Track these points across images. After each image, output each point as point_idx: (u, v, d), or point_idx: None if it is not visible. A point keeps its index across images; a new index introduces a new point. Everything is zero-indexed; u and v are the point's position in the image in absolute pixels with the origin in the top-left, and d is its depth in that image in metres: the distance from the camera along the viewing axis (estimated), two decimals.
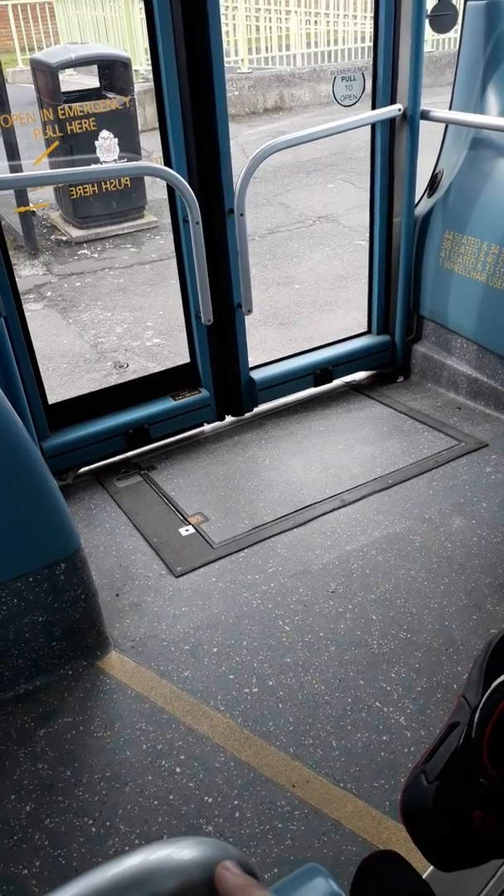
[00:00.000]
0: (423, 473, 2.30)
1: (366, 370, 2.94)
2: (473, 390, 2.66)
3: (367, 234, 2.80)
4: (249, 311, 2.44)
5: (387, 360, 2.93)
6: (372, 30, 2.47)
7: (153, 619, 1.86)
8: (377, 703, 1.58)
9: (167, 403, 2.53)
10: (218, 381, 2.59)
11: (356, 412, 2.72)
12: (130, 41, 7.84)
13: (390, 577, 1.90)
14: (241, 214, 2.25)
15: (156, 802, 1.43)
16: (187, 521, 2.20)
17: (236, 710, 1.60)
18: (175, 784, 1.46)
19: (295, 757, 1.49)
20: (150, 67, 2.12)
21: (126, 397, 2.51)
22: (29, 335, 2.21)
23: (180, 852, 0.41)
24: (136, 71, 6.59)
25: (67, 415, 2.40)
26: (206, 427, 2.67)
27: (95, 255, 4.98)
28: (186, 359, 2.59)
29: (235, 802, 1.42)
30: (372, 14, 2.47)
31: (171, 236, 2.40)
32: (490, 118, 2.41)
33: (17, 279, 2.14)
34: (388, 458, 2.40)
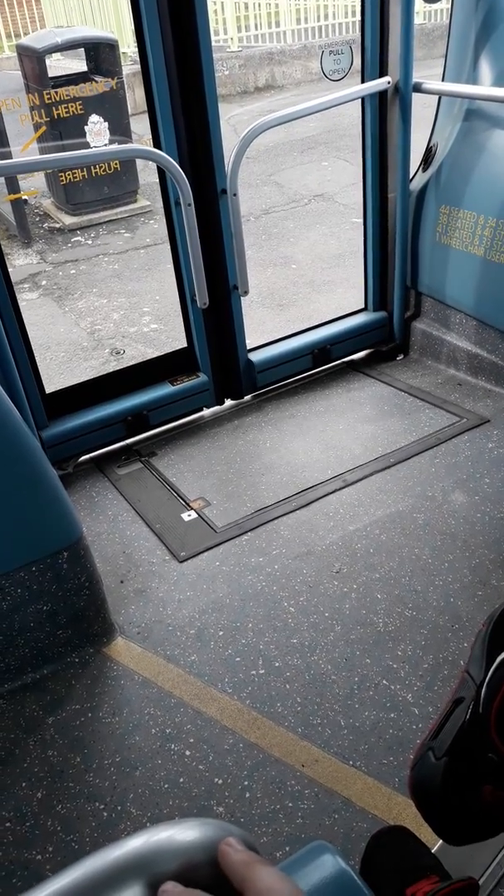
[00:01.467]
0: (424, 451, 2.28)
1: (364, 348, 2.92)
2: (473, 366, 2.64)
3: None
4: (246, 293, 2.42)
5: (385, 337, 2.91)
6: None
7: (158, 604, 1.86)
8: (384, 681, 1.58)
9: (165, 389, 2.52)
10: (216, 365, 2.58)
11: (356, 391, 2.70)
12: (117, 22, 7.74)
13: (394, 555, 1.90)
14: (234, 195, 2.23)
15: (166, 786, 1.44)
16: (189, 506, 2.20)
17: (244, 691, 1.60)
18: (185, 767, 1.47)
19: (303, 737, 1.49)
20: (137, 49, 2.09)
21: (124, 384, 2.50)
22: (24, 325, 2.20)
23: (182, 833, 0.41)
24: (124, 53, 6.51)
25: (65, 404, 2.39)
26: (206, 411, 2.65)
27: (89, 242, 4.94)
28: (184, 343, 2.57)
29: (245, 783, 1.43)
30: None
31: (164, 220, 2.37)
32: (483, 88, 2.37)
33: (10, 269, 2.12)
34: (389, 437, 2.38)
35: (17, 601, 1.59)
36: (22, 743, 1.56)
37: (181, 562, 1.99)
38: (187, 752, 1.50)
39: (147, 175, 5.13)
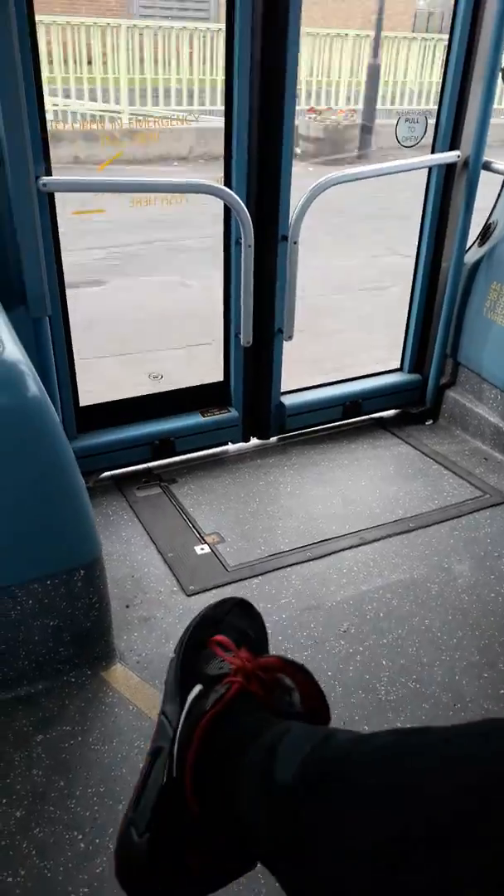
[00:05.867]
0: (445, 521, 2.28)
1: (395, 407, 2.93)
2: (502, 443, 2.65)
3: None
4: (290, 338, 2.45)
5: (416, 400, 2.93)
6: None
7: (161, 635, 1.84)
8: None
9: (195, 419, 2.53)
10: (248, 402, 2.60)
11: (382, 449, 2.71)
12: None
13: (404, 623, 1.88)
14: (295, 242, 2.27)
15: None
16: (203, 539, 2.19)
17: None
18: None
19: None
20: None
21: (156, 408, 2.51)
22: (70, 336, 2.23)
23: None
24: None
25: (97, 418, 2.41)
26: (231, 446, 2.66)
27: None
28: (220, 377, 2.59)
29: None
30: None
31: None
32: None
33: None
34: (410, 501, 2.38)
35: (27, 613, 1.58)
36: (7, 757, 1.53)
37: (189, 595, 1.98)
38: None
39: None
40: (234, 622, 0.91)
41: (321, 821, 0.59)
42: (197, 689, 0.80)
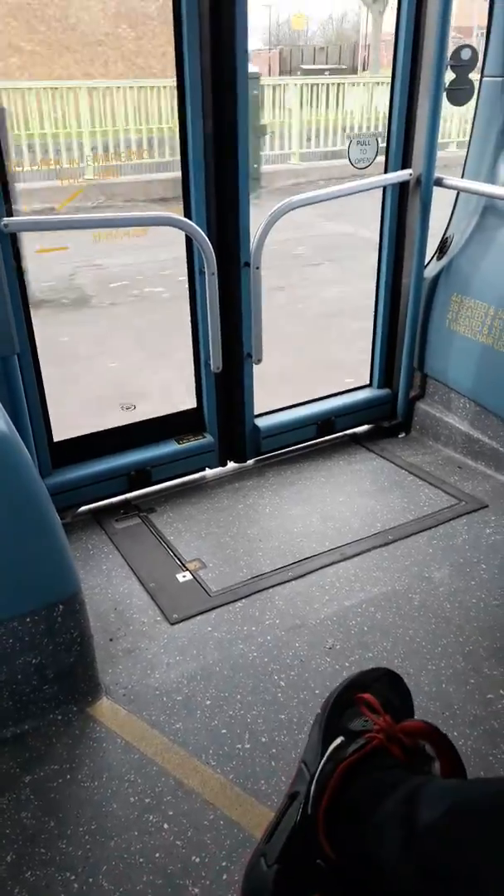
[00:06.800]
0: (423, 531, 2.30)
1: (367, 422, 2.97)
2: (474, 450, 2.68)
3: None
4: (259, 361, 2.47)
5: (388, 414, 2.96)
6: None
7: (147, 666, 1.83)
8: None
9: (171, 447, 2.54)
10: (223, 427, 2.61)
11: (357, 464, 2.73)
12: None
13: (388, 635, 1.89)
14: (257, 268, 2.30)
15: (141, 860, 1.39)
16: (185, 566, 2.19)
17: (228, 765, 1.57)
18: (162, 841, 1.43)
19: None
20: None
21: (130, 438, 2.52)
22: (40, 372, 2.24)
23: None
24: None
25: (71, 453, 2.41)
26: (208, 472, 2.67)
27: None
28: (193, 404, 2.61)
29: (224, 864, 1.38)
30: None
31: None
32: (501, 188, 2.49)
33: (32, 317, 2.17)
34: (388, 514, 2.40)
35: (7, 652, 1.57)
36: None
37: (173, 624, 1.97)
38: (165, 826, 1.46)
39: None
40: (382, 689, 0.94)
41: (479, 854, 0.60)
42: (339, 740, 0.84)
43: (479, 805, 0.66)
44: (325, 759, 0.83)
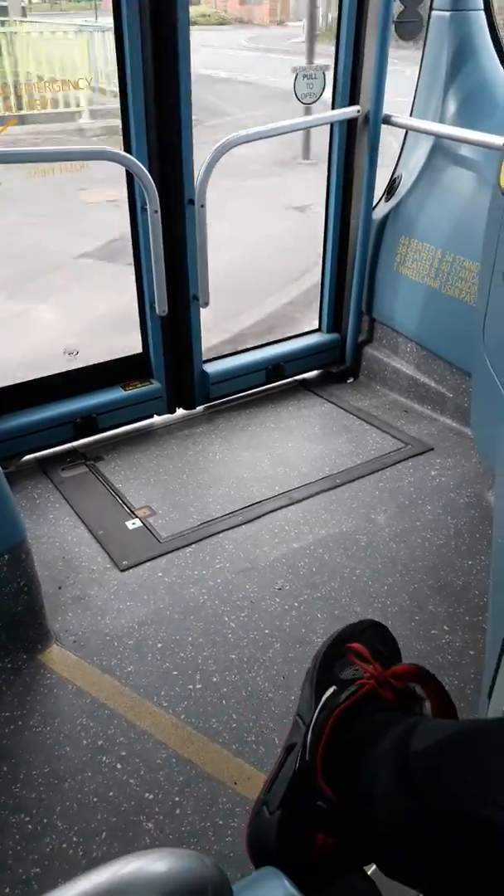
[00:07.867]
0: (370, 474, 2.33)
1: (316, 368, 2.96)
2: (420, 394, 2.71)
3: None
4: (206, 304, 2.42)
5: (336, 359, 2.96)
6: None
7: (97, 613, 1.83)
8: None
9: (117, 393, 2.49)
10: (170, 373, 2.57)
11: (306, 410, 2.73)
12: None
13: (336, 575, 1.92)
14: (202, 206, 2.23)
15: (95, 799, 1.41)
16: (134, 514, 2.18)
17: (179, 706, 1.59)
18: (115, 780, 1.45)
19: (237, 753, 1.49)
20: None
21: (75, 385, 2.46)
22: None
23: (152, 865, 0.40)
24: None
25: (12, 400, 2.34)
26: (157, 419, 2.64)
27: None
28: (139, 349, 2.55)
29: (176, 799, 1.41)
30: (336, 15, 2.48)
31: None
32: (448, 127, 2.45)
33: None
34: (336, 458, 2.42)
35: None
36: None
37: (122, 570, 1.96)
38: (118, 766, 1.48)
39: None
40: (369, 639, 0.96)
41: (465, 776, 0.63)
42: (331, 689, 0.86)
43: (472, 733, 0.70)
44: (319, 707, 0.86)
